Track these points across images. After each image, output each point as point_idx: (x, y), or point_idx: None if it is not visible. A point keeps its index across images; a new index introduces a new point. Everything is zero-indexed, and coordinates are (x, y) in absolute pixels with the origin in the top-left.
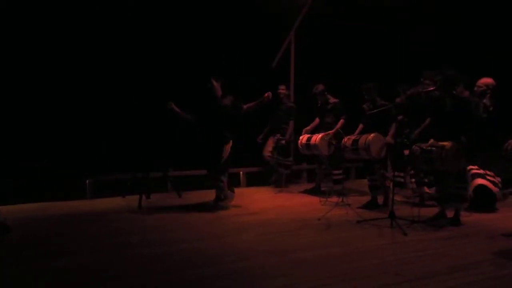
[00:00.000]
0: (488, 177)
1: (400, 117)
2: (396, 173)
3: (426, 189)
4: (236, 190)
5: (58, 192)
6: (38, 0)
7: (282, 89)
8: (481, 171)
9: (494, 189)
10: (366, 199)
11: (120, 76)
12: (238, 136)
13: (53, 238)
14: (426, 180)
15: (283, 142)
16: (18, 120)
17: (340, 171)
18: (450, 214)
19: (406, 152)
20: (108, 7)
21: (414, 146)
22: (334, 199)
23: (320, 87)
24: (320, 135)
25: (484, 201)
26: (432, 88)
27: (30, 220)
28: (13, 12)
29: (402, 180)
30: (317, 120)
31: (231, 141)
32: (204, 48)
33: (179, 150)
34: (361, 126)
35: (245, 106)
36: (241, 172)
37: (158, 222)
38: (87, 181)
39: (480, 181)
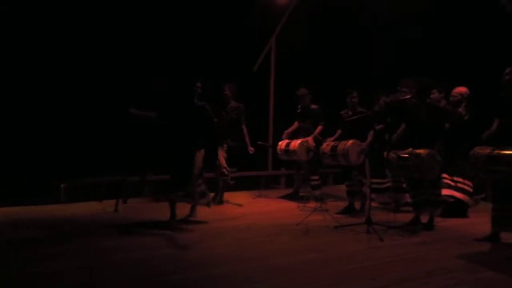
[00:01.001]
0: (459, 185)
1: (379, 127)
2: (372, 179)
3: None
4: (214, 195)
5: (32, 196)
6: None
7: (227, 91)
8: (450, 182)
9: (463, 197)
10: (343, 204)
11: (98, 79)
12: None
13: (27, 243)
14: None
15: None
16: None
17: (318, 177)
18: (424, 219)
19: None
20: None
21: (390, 153)
22: (312, 204)
23: (304, 90)
24: (299, 141)
25: (454, 210)
26: (408, 96)
27: (3, 224)
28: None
29: (377, 186)
30: (296, 123)
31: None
32: (185, 50)
33: (157, 154)
34: (339, 131)
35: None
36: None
37: (134, 227)
38: (62, 185)
39: (445, 191)
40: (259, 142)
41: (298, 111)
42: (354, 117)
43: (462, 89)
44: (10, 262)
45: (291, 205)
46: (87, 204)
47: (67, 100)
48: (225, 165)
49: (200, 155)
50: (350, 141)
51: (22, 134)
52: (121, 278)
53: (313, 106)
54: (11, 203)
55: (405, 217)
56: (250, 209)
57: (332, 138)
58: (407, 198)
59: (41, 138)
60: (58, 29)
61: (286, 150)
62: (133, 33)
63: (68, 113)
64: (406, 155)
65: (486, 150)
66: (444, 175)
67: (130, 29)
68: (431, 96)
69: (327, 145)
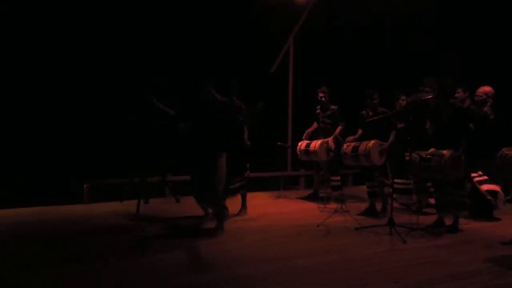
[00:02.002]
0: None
1: (400, 125)
2: (395, 180)
3: (430, 200)
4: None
5: (56, 196)
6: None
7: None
8: (484, 177)
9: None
10: (364, 205)
11: (117, 79)
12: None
13: (52, 243)
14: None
15: None
16: (16, 124)
17: (338, 177)
18: (449, 221)
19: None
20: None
21: (413, 154)
22: (333, 205)
23: (325, 88)
24: (319, 142)
25: (481, 211)
26: (430, 96)
27: (28, 224)
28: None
29: (401, 186)
30: (315, 124)
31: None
32: (202, 52)
33: (177, 154)
34: (360, 131)
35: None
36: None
37: (155, 227)
38: (85, 186)
39: (486, 187)
40: (278, 143)
41: (317, 111)
42: (375, 118)
43: (487, 89)
44: (35, 262)
45: (311, 206)
46: (108, 204)
47: (92, 102)
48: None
49: (223, 160)
50: (372, 141)
51: (46, 136)
52: (141, 278)
53: (332, 106)
54: (36, 203)
55: (429, 219)
56: (270, 209)
57: (352, 138)
58: (431, 199)
59: (65, 140)
60: (67, 28)
61: (306, 151)
62: (149, 32)
63: (92, 115)
64: (429, 156)
65: None
66: (473, 174)
67: (146, 29)
68: (456, 95)
69: (348, 145)
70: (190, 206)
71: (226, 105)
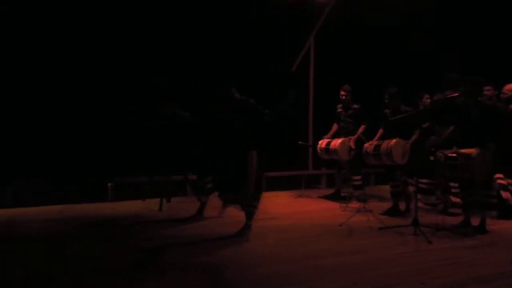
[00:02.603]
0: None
1: (426, 124)
2: (419, 179)
3: (452, 198)
4: None
5: (81, 194)
6: None
7: None
8: (504, 182)
9: None
10: (387, 205)
11: (140, 78)
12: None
13: (73, 240)
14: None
15: None
16: (40, 124)
17: (360, 177)
18: (475, 222)
19: (432, 158)
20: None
21: (438, 152)
22: (355, 205)
23: (348, 87)
24: (340, 140)
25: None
26: (456, 95)
27: (52, 222)
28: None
29: (424, 186)
30: (335, 126)
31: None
32: (222, 51)
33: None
34: (381, 131)
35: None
36: None
37: (177, 226)
38: (109, 184)
39: (505, 194)
40: (299, 142)
41: (338, 110)
42: (398, 116)
43: None
44: (61, 259)
45: (333, 205)
46: (132, 203)
47: (115, 102)
48: None
49: (253, 158)
50: (394, 140)
51: (72, 135)
52: (161, 276)
53: (354, 105)
54: (61, 201)
55: (455, 219)
56: (291, 209)
57: (376, 137)
58: (456, 199)
59: (90, 139)
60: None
61: (327, 149)
62: (166, 32)
63: (115, 114)
64: (455, 155)
65: None
66: (499, 175)
67: (163, 29)
68: (486, 93)
69: (370, 144)
70: (212, 205)
71: (246, 104)
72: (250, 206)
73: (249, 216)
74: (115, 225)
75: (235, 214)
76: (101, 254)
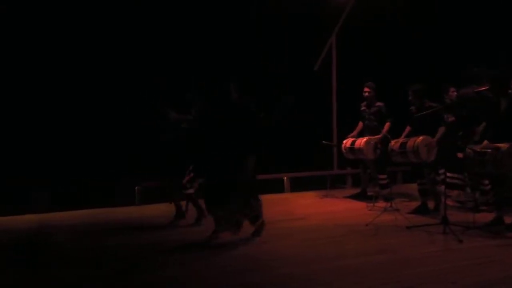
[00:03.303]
0: None
1: (451, 119)
2: (448, 174)
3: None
4: (280, 195)
5: (108, 198)
6: None
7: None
8: None
9: None
10: (415, 204)
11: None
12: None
13: (101, 244)
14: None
15: None
16: (69, 129)
17: (386, 176)
18: (508, 219)
19: (460, 155)
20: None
21: (467, 148)
22: (381, 204)
23: (371, 84)
24: (364, 139)
25: None
26: (484, 88)
27: (80, 226)
28: None
29: (454, 181)
30: (360, 124)
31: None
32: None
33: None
34: (408, 128)
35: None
36: (285, 178)
37: (202, 228)
38: (136, 188)
39: None
40: (323, 142)
41: (362, 108)
42: (424, 112)
43: None
44: (82, 262)
45: (359, 205)
46: (158, 206)
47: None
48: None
49: (249, 162)
50: (420, 137)
51: (99, 140)
52: (187, 278)
53: (378, 103)
54: (90, 205)
55: (486, 217)
56: (317, 209)
57: (402, 135)
58: (487, 196)
59: (117, 144)
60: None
61: (351, 149)
62: (181, 32)
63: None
64: (484, 150)
65: None
66: None
67: (179, 29)
68: None
69: (396, 142)
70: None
71: (243, 107)
72: (244, 215)
73: (253, 220)
74: (143, 228)
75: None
76: (131, 256)
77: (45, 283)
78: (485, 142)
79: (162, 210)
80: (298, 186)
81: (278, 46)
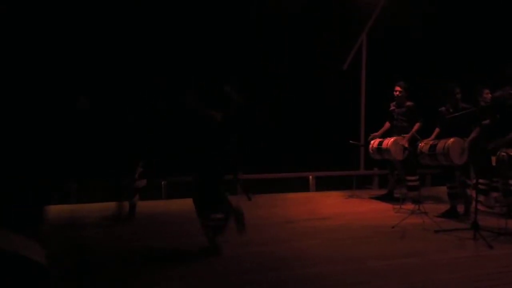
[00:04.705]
0: None
1: (486, 122)
2: (480, 180)
3: None
4: (305, 194)
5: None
6: None
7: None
8: None
9: None
10: (444, 207)
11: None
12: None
13: (128, 237)
14: None
15: None
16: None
17: (416, 177)
18: None
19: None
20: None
21: (500, 152)
22: (409, 206)
23: (402, 83)
24: (392, 139)
25: None
26: None
27: (106, 219)
28: None
29: (487, 187)
30: (387, 124)
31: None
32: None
33: (249, 153)
34: (437, 130)
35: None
36: (310, 176)
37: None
38: (162, 183)
39: None
40: (350, 141)
41: (391, 108)
42: (457, 113)
43: None
44: (117, 255)
45: (386, 206)
46: (183, 201)
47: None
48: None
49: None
50: (451, 139)
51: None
52: (212, 274)
53: (408, 103)
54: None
55: None
56: (342, 209)
57: (432, 137)
58: None
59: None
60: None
61: (379, 149)
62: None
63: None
64: None
65: None
66: None
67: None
68: None
69: (425, 143)
70: (261, 204)
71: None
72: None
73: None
74: (170, 223)
75: (283, 215)
76: (156, 252)
77: None
78: None
79: (189, 204)
80: (324, 185)
81: (307, 44)
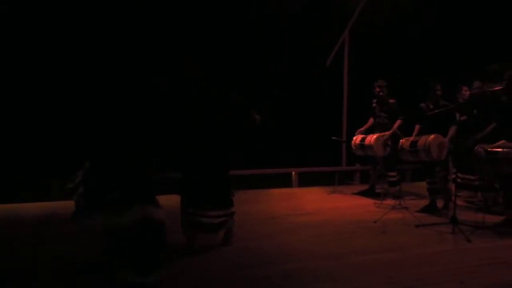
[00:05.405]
0: None
1: (463, 118)
2: (459, 175)
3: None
4: (288, 190)
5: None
6: None
7: None
8: None
9: None
10: (424, 202)
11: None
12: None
13: None
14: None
15: None
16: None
17: (395, 173)
18: None
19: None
20: None
21: (477, 147)
22: (390, 201)
23: (382, 82)
24: (375, 136)
25: None
26: (499, 87)
27: None
28: None
29: (466, 182)
30: (371, 120)
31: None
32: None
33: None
34: (417, 127)
35: None
36: (293, 172)
37: None
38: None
39: None
40: (333, 137)
41: (373, 105)
42: (437, 111)
43: None
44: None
45: (367, 201)
46: (169, 197)
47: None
48: None
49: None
50: (432, 136)
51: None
52: (195, 271)
53: (390, 100)
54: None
55: (496, 218)
56: (324, 204)
57: (413, 134)
58: (498, 197)
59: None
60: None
61: (362, 145)
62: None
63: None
64: (496, 149)
65: None
66: None
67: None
68: None
69: (406, 140)
70: (244, 200)
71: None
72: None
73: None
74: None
75: (266, 210)
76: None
77: None
78: (503, 141)
79: (173, 200)
80: (306, 181)
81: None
